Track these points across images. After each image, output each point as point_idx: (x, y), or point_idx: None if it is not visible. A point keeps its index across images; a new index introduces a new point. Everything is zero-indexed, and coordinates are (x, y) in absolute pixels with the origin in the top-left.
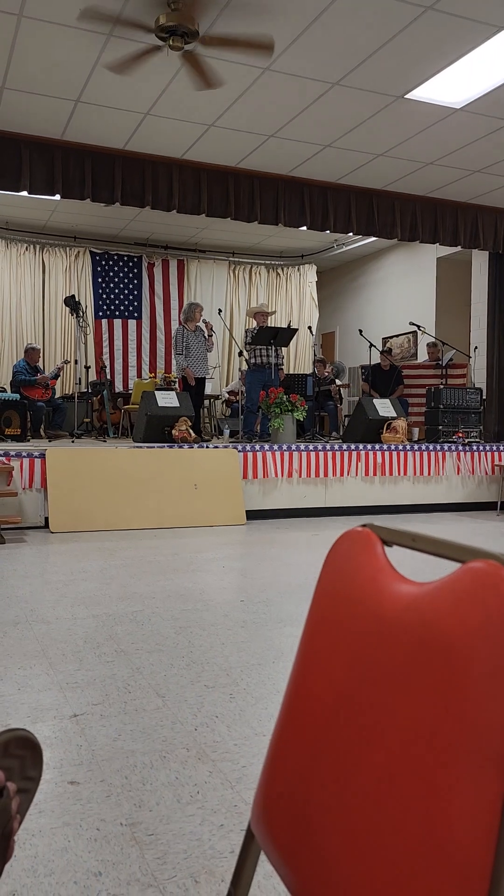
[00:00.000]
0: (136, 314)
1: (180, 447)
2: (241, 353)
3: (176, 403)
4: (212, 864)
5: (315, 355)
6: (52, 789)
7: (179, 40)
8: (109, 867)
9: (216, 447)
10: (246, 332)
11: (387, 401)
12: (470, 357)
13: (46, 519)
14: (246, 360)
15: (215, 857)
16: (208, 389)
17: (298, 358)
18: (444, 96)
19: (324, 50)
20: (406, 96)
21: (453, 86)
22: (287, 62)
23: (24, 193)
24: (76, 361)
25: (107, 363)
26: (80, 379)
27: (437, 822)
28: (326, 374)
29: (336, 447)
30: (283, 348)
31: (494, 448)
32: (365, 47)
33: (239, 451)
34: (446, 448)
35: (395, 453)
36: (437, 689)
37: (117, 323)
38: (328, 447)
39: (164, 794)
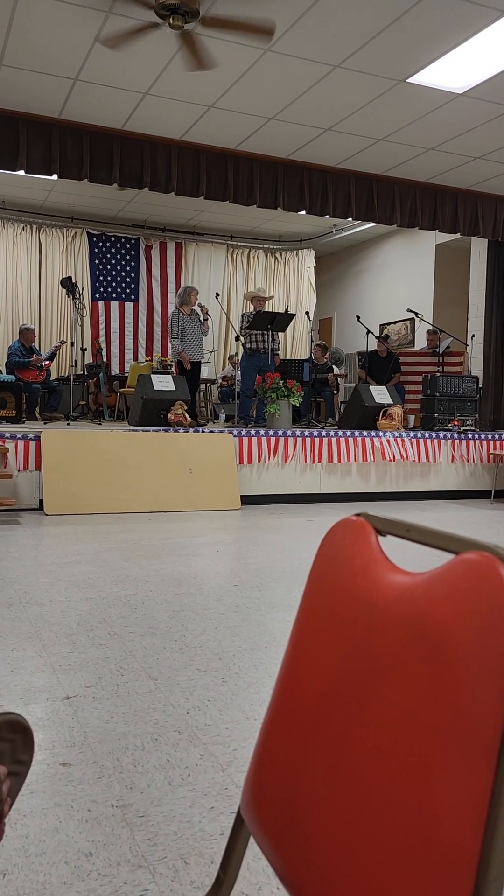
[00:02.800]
0: (132, 297)
1: (176, 431)
2: (237, 338)
3: (172, 387)
4: (202, 846)
5: (312, 340)
6: (44, 770)
7: (180, 19)
8: (100, 848)
9: (212, 432)
10: (242, 316)
11: (383, 388)
12: (467, 345)
13: (41, 501)
14: (242, 344)
15: (205, 839)
16: (204, 374)
17: (295, 344)
18: (445, 81)
19: (325, 32)
20: (408, 80)
21: (455, 71)
22: (288, 44)
23: (21, 172)
24: (72, 343)
25: (103, 346)
26: (76, 361)
27: (426, 811)
28: (325, 360)
29: (332, 433)
30: (279, 333)
31: (489, 436)
32: (367, 30)
33: (234, 436)
34: (442, 436)
35: (390, 440)
36: (428, 679)
37: (114, 305)
38: (324, 433)
39: (156, 777)
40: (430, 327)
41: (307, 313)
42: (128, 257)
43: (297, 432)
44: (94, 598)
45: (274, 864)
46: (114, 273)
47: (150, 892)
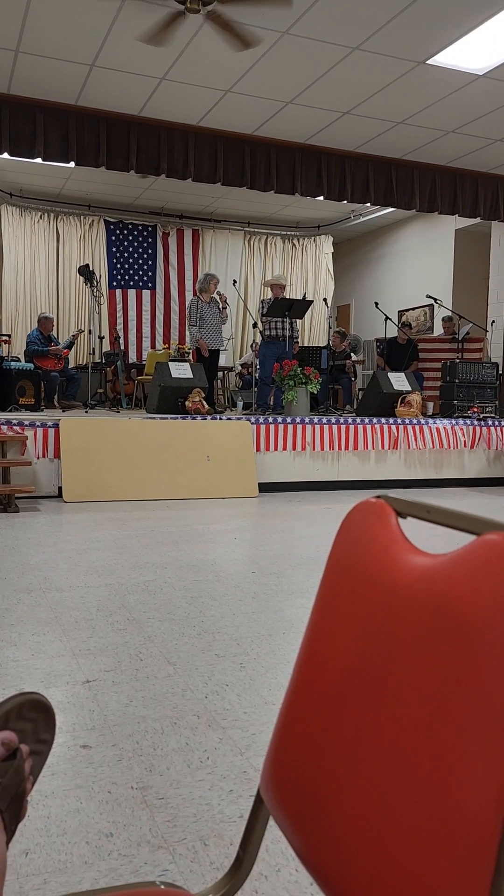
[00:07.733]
0: (150, 284)
1: (193, 419)
2: (255, 325)
3: (189, 375)
4: (221, 827)
5: (330, 327)
6: (64, 752)
7: (196, 2)
8: (120, 828)
9: (229, 419)
10: (261, 302)
11: (401, 374)
12: (487, 331)
13: (60, 488)
14: (260, 331)
15: (224, 821)
16: (222, 361)
17: (313, 330)
18: (466, 62)
19: (344, 13)
20: (427, 62)
21: (476, 52)
22: (306, 26)
23: (39, 160)
24: (90, 331)
25: (121, 333)
26: (93, 349)
27: (448, 792)
28: (343, 347)
29: (349, 420)
30: (297, 321)
31: None
32: (386, 10)
33: (252, 424)
34: (461, 423)
35: (409, 427)
36: (449, 660)
37: (131, 293)
38: (342, 420)
39: (175, 760)
40: (446, 314)
41: (325, 300)
42: (145, 245)
43: (315, 419)
44: (112, 583)
45: (293, 844)
46: (131, 261)
47: (170, 871)
